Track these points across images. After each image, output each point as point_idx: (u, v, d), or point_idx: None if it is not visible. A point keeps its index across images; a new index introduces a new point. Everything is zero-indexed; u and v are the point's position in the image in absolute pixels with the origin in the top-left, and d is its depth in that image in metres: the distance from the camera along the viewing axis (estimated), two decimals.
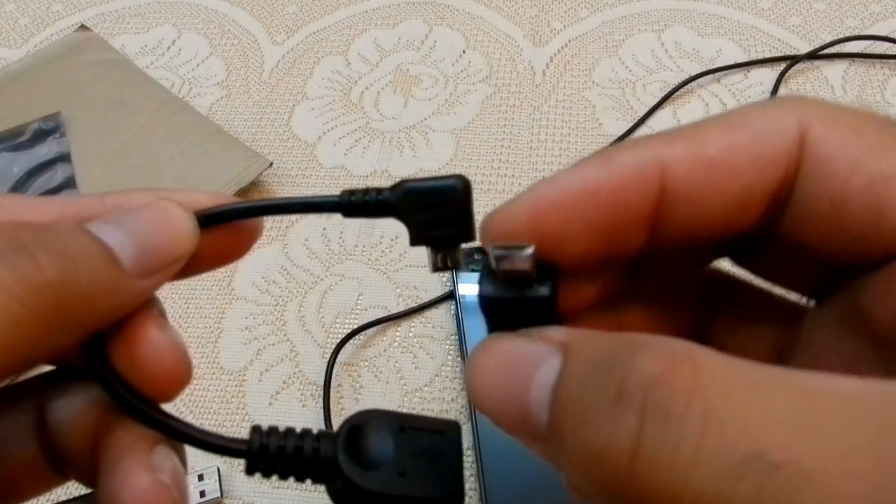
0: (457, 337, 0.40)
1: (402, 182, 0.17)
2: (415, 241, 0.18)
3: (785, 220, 0.13)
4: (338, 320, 0.42)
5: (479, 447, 0.36)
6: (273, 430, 0.17)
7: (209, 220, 0.17)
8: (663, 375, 0.10)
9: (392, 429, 0.17)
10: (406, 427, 0.17)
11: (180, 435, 0.16)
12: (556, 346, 0.12)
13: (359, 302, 0.42)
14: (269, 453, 0.16)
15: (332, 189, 0.47)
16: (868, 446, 0.09)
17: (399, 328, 0.41)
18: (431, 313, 0.42)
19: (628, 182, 0.13)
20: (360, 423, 0.17)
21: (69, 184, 0.47)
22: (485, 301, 0.15)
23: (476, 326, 0.39)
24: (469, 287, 0.41)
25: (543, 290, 0.14)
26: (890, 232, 0.12)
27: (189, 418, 0.39)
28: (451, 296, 0.42)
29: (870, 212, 0.12)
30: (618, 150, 0.14)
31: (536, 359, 0.12)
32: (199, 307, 0.43)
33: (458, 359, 0.40)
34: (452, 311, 0.41)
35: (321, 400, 0.38)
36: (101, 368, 0.16)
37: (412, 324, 0.41)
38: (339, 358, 0.40)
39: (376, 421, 0.17)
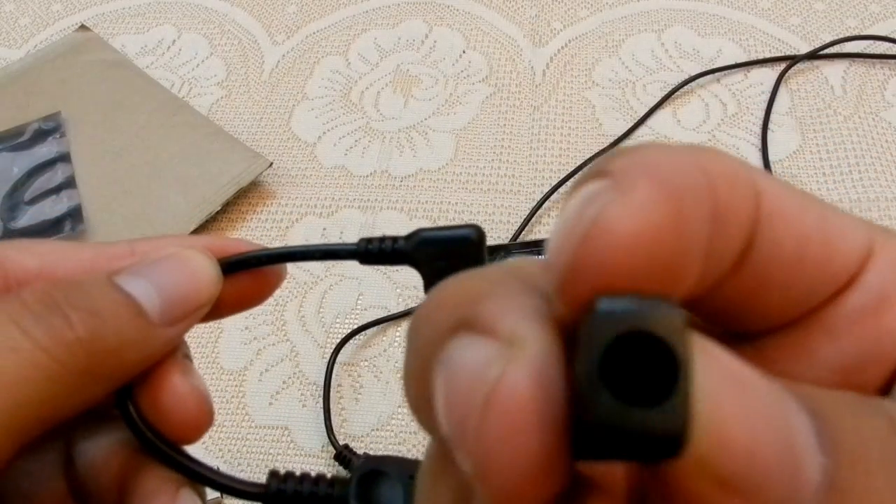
0: None
1: (418, 231, 0.18)
2: (429, 288, 0.17)
3: (746, 270, 0.11)
4: (338, 320, 0.42)
5: None
6: (289, 474, 0.17)
7: (232, 267, 0.18)
8: None
9: (403, 476, 0.17)
10: (416, 474, 0.17)
11: (202, 478, 0.17)
12: (805, 406, 0.09)
13: (359, 302, 0.42)
14: (285, 497, 0.17)
15: (333, 189, 0.47)
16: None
17: (399, 328, 0.41)
18: None
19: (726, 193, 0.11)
20: (373, 470, 0.17)
21: (69, 184, 0.47)
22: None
23: None
24: None
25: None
26: (839, 262, 0.11)
27: None
28: None
29: (822, 247, 0.11)
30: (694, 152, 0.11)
31: (789, 412, 0.09)
32: None
33: None
34: None
35: (321, 400, 0.38)
36: (129, 413, 0.17)
37: None
38: (339, 358, 0.40)
39: (389, 467, 0.17)
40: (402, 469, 0.18)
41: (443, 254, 0.17)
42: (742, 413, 0.08)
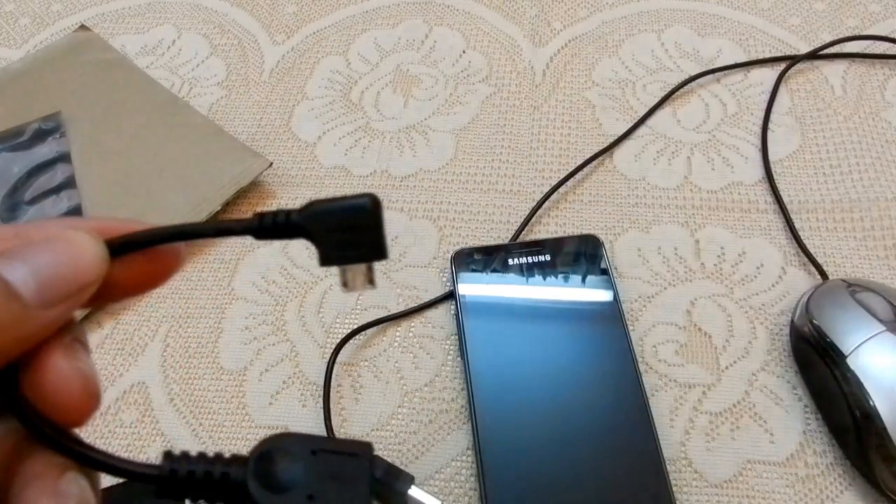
0: (457, 337, 0.40)
1: (312, 203, 0.17)
2: (324, 261, 0.18)
3: None
4: (338, 320, 0.42)
5: (479, 447, 0.36)
6: (185, 454, 0.17)
7: (122, 248, 0.17)
8: None
9: (303, 452, 0.17)
10: (318, 450, 0.17)
11: (89, 460, 0.17)
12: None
13: (359, 302, 0.42)
14: (178, 478, 0.17)
15: (333, 189, 0.47)
16: None
17: (399, 328, 0.41)
18: (431, 313, 0.42)
19: None
20: (272, 448, 0.17)
21: (69, 184, 0.47)
22: None
23: (476, 326, 0.39)
24: (469, 287, 0.41)
25: None
26: None
27: (189, 419, 0.39)
28: (451, 296, 0.42)
29: None
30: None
31: None
32: (199, 307, 0.43)
33: (459, 359, 0.40)
34: (452, 311, 0.41)
35: (321, 400, 0.38)
36: (12, 396, 0.16)
37: (412, 324, 0.41)
38: (339, 358, 0.40)
39: (288, 445, 0.17)
40: (304, 445, 0.17)
41: (338, 225, 0.17)
42: None
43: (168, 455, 0.17)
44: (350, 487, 0.17)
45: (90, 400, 0.17)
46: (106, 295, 0.18)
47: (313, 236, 0.17)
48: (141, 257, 0.18)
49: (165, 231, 0.18)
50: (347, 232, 0.17)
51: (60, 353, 0.17)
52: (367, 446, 0.18)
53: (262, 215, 0.17)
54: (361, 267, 0.18)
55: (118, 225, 0.18)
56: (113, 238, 0.17)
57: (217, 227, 0.18)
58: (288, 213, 0.17)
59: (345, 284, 0.18)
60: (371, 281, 0.18)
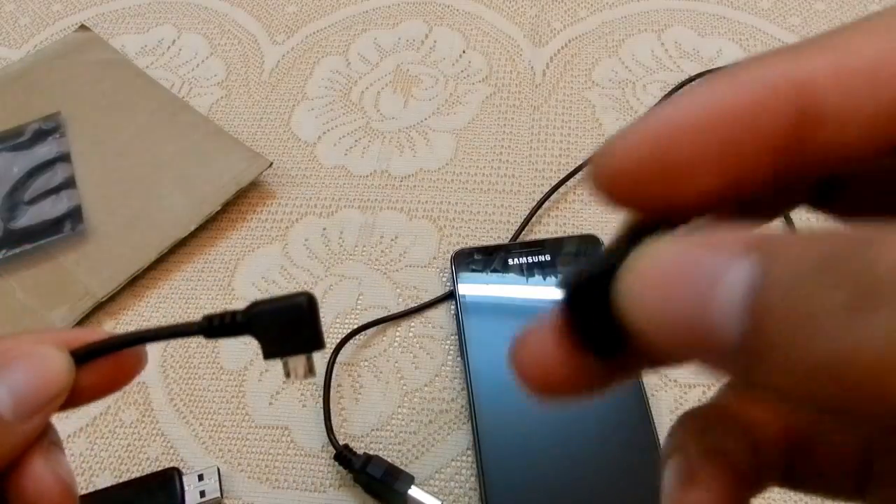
0: (457, 337, 0.40)
1: (254, 304, 0.19)
2: (266, 355, 0.20)
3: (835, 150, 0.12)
4: (338, 320, 0.42)
5: (479, 447, 0.36)
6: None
7: (86, 356, 0.19)
8: None
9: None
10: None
11: None
12: (742, 249, 0.10)
13: (359, 302, 0.42)
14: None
15: (333, 189, 0.47)
16: None
17: (399, 328, 0.41)
18: (431, 313, 0.42)
19: (764, 100, 0.11)
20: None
21: (69, 184, 0.47)
22: (569, 283, 0.12)
23: (476, 326, 0.39)
24: (469, 287, 0.41)
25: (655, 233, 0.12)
26: None
27: (189, 419, 0.39)
28: (451, 296, 0.42)
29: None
30: (746, 66, 0.11)
31: (718, 264, 0.10)
32: (199, 307, 0.43)
33: (459, 359, 0.40)
34: (452, 311, 0.41)
35: (321, 400, 0.38)
36: None
37: (412, 324, 0.41)
38: (339, 358, 0.40)
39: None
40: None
41: (277, 322, 0.19)
42: (651, 284, 0.10)
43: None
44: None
45: (68, 502, 0.19)
46: (75, 400, 0.19)
47: (256, 334, 0.19)
48: (104, 363, 0.20)
49: (125, 337, 0.20)
50: (286, 328, 0.20)
51: (40, 459, 0.18)
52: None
53: (210, 318, 0.19)
54: (301, 358, 0.20)
55: (81, 335, 0.19)
56: (77, 348, 0.19)
57: (171, 330, 0.20)
58: (233, 314, 0.19)
59: (287, 374, 0.20)
60: (311, 370, 0.20)
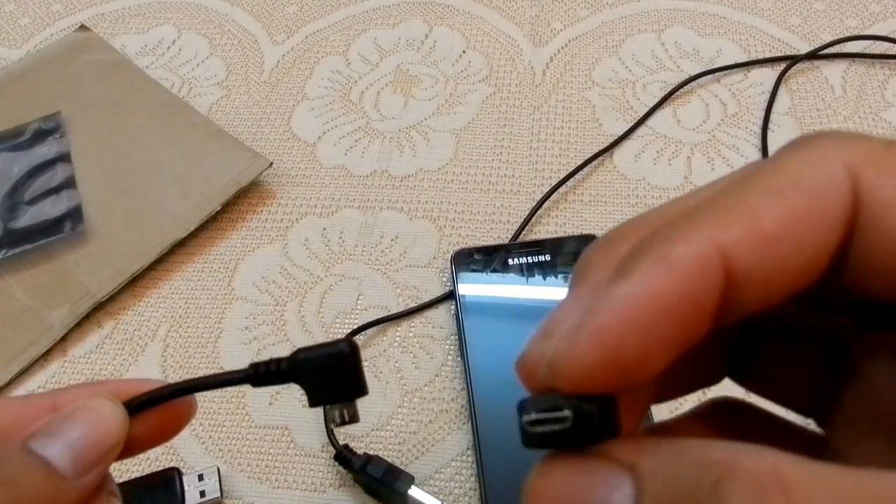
0: (457, 337, 0.40)
1: (297, 352, 0.20)
2: (313, 403, 0.20)
3: (842, 276, 0.13)
4: (338, 320, 0.42)
5: (479, 447, 0.36)
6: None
7: (138, 407, 0.20)
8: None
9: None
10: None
11: None
12: (625, 470, 0.11)
13: (359, 302, 0.42)
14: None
15: (333, 189, 0.47)
16: None
17: (399, 328, 0.41)
18: (431, 313, 0.42)
19: (693, 281, 0.12)
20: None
21: (69, 184, 0.47)
22: (530, 437, 0.13)
23: (476, 326, 0.39)
24: (469, 287, 0.41)
25: (589, 408, 0.13)
26: None
27: None
28: (451, 296, 0.42)
29: None
30: (671, 244, 0.12)
31: (606, 487, 0.11)
32: (199, 307, 0.43)
33: (459, 359, 0.40)
34: (452, 311, 0.41)
35: None
36: None
37: (412, 324, 0.41)
38: None
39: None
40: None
41: (321, 369, 0.20)
42: None
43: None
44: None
45: None
46: (128, 451, 0.19)
47: (301, 382, 0.20)
48: (155, 412, 0.20)
49: (175, 387, 0.20)
50: (331, 375, 0.21)
51: None
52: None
53: (256, 366, 0.20)
54: (345, 405, 0.21)
55: (134, 385, 0.20)
56: (130, 399, 0.19)
57: (220, 380, 0.20)
58: (279, 362, 0.20)
59: (332, 421, 0.21)
60: (355, 416, 0.21)
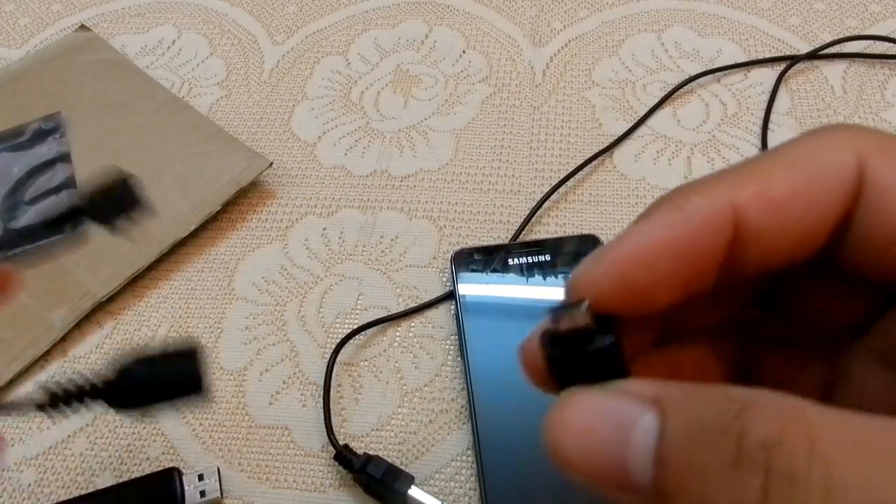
0: (457, 337, 0.40)
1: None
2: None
3: (843, 250, 0.14)
4: (338, 320, 0.42)
5: (479, 447, 0.36)
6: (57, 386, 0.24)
7: None
8: (782, 436, 0.10)
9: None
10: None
11: None
12: (648, 402, 0.12)
13: (359, 302, 0.42)
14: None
15: (333, 189, 0.47)
16: None
17: (399, 328, 0.41)
18: (431, 313, 0.42)
19: (704, 229, 0.13)
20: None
21: (69, 184, 0.47)
22: (550, 360, 0.15)
23: (476, 326, 0.39)
24: (469, 287, 0.41)
25: (606, 340, 0.14)
26: None
27: (189, 419, 0.39)
28: (451, 296, 0.42)
29: None
30: (688, 196, 0.14)
31: (630, 416, 0.12)
32: (199, 307, 0.43)
33: (459, 359, 0.40)
34: (452, 311, 0.41)
35: (321, 400, 0.38)
36: None
37: (412, 324, 0.41)
38: (339, 358, 0.40)
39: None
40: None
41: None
42: (574, 442, 0.12)
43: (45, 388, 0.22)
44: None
45: None
46: None
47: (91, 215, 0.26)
48: None
49: None
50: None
51: None
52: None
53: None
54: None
55: None
56: None
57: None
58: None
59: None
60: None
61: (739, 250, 0.14)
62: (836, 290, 0.15)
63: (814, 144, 0.14)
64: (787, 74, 0.50)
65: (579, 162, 0.47)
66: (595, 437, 0.12)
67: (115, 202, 0.25)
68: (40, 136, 0.50)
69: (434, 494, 0.35)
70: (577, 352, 0.14)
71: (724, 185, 0.14)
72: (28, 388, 0.41)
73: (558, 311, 0.15)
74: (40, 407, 0.25)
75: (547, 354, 0.15)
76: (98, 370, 0.26)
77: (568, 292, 0.15)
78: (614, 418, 0.12)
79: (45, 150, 0.49)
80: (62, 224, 0.24)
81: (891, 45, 0.51)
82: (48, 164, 0.48)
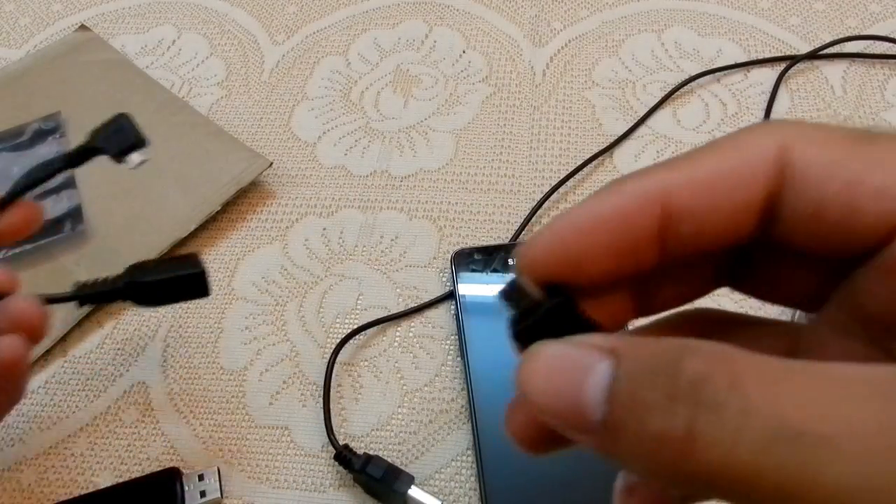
0: (457, 337, 0.40)
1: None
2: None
3: (777, 229, 0.15)
4: (338, 320, 0.42)
5: (479, 447, 0.36)
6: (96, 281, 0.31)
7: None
8: (708, 374, 0.12)
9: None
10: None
11: None
12: (605, 352, 0.14)
13: (359, 302, 0.42)
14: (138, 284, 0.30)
15: (333, 189, 0.47)
16: (875, 413, 0.11)
17: (399, 328, 0.41)
18: (431, 313, 0.42)
19: (635, 207, 0.15)
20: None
21: (69, 184, 0.47)
22: (516, 338, 0.16)
23: (476, 326, 0.39)
24: (469, 287, 0.41)
25: (553, 302, 0.16)
26: (863, 228, 0.14)
27: (189, 419, 0.39)
28: (451, 296, 0.42)
29: (844, 212, 0.14)
30: (624, 181, 0.16)
31: (588, 362, 0.14)
32: (199, 307, 0.43)
33: (458, 359, 0.40)
34: (452, 311, 0.41)
35: (321, 400, 0.38)
36: None
37: (412, 324, 0.41)
38: (339, 358, 0.40)
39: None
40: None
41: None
42: (538, 384, 0.14)
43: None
44: None
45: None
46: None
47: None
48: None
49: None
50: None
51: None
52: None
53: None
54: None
55: None
56: None
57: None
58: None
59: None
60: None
61: (672, 229, 0.15)
62: (791, 264, 0.16)
63: (741, 135, 0.16)
64: (787, 74, 0.50)
65: (579, 162, 0.47)
66: (557, 381, 0.14)
67: (118, 134, 0.29)
68: (40, 136, 0.50)
69: (434, 494, 0.35)
70: (534, 320, 0.16)
71: (658, 171, 0.16)
72: (29, 387, 0.41)
73: (507, 292, 0.17)
74: (77, 297, 0.31)
75: (512, 334, 0.16)
76: (114, 276, 0.32)
77: (516, 266, 0.17)
78: (574, 365, 0.14)
79: (45, 150, 0.49)
80: (76, 160, 0.30)
81: (891, 45, 0.51)
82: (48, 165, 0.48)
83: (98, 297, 0.32)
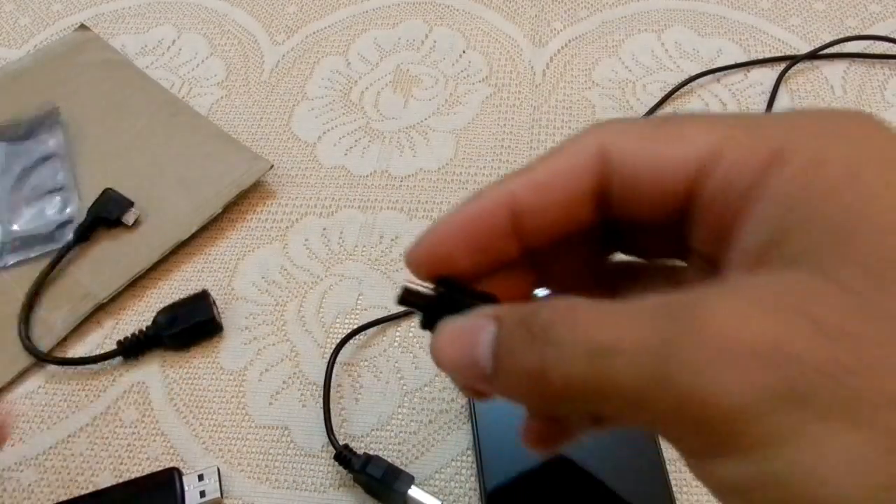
0: None
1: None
2: None
3: (617, 208, 0.18)
4: (338, 320, 0.42)
5: (479, 447, 0.36)
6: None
7: None
8: (554, 320, 0.16)
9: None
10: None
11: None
12: (491, 318, 0.17)
13: (359, 302, 0.42)
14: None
15: (333, 189, 0.47)
16: (643, 327, 0.14)
17: (399, 328, 0.41)
18: None
19: (488, 210, 0.19)
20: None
21: (69, 184, 0.47)
22: (424, 327, 0.20)
23: None
24: None
25: (437, 290, 0.20)
26: (673, 189, 0.17)
27: (189, 419, 0.39)
28: None
29: (654, 180, 0.17)
30: (485, 189, 0.19)
31: (478, 327, 0.17)
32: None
33: None
34: None
35: (321, 400, 0.38)
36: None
37: (412, 324, 0.41)
38: (339, 358, 0.40)
39: None
40: None
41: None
42: (445, 351, 0.18)
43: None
44: None
45: None
46: None
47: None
48: None
49: None
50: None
51: None
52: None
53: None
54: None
55: None
56: None
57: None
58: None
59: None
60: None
61: (523, 224, 0.19)
62: (648, 231, 0.19)
63: (570, 140, 0.18)
64: (787, 74, 0.50)
65: None
66: (457, 345, 0.17)
67: (111, 204, 0.33)
68: (38, 133, 0.49)
69: (434, 494, 0.35)
70: (432, 309, 0.20)
71: (510, 178, 0.19)
72: (29, 388, 0.41)
73: (401, 297, 0.21)
74: (120, 353, 0.39)
75: (421, 326, 0.20)
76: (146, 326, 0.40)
77: (405, 255, 0.21)
78: (469, 331, 0.17)
79: (44, 149, 0.49)
80: (83, 236, 0.34)
81: (891, 45, 0.51)
82: (46, 161, 0.48)
83: (137, 348, 0.41)
